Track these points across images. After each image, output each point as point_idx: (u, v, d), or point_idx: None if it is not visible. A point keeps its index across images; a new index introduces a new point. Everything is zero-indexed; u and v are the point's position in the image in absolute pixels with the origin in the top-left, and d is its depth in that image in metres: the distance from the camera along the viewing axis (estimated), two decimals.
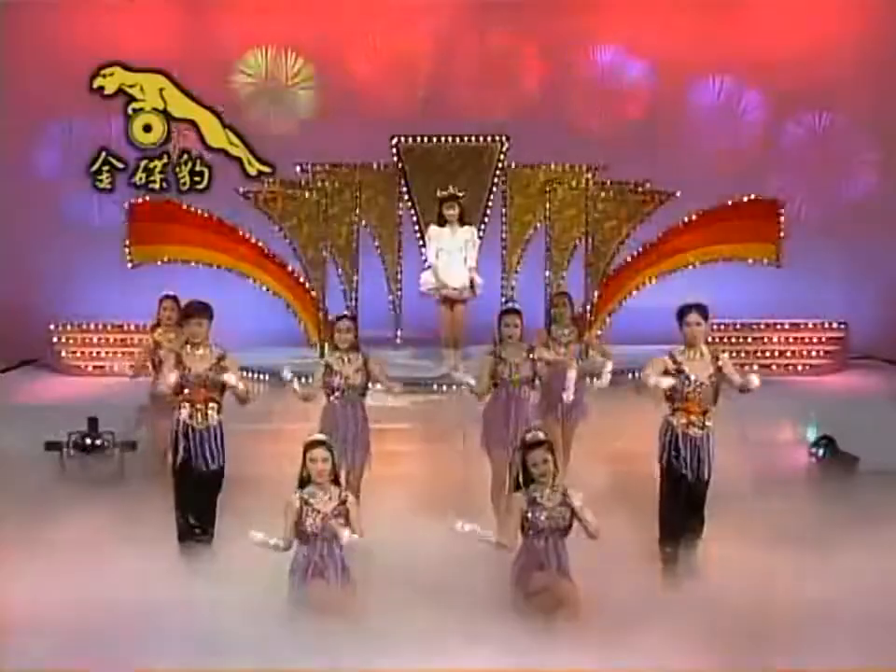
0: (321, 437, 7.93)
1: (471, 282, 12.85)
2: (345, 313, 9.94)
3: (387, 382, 9.70)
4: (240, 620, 7.42)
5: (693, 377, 8.54)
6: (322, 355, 9.57)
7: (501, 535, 7.75)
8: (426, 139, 14.49)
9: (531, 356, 9.65)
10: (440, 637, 7.22)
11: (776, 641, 7.32)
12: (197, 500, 8.73)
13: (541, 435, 7.95)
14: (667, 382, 8.46)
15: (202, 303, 8.95)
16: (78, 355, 14.74)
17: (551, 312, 10.79)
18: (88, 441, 11.07)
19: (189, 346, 8.88)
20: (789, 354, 14.59)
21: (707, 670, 7.18)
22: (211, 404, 8.80)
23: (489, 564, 8.15)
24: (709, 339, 8.81)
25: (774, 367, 14.48)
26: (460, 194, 13.04)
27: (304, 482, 7.74)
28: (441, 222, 12.88)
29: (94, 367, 14.64)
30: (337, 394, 9.48)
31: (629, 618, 7.50)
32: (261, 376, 13.15)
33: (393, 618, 7.39)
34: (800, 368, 14.49)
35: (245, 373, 12.66)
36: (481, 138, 14.51)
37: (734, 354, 14.28)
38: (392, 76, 15.60)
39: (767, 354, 14.57)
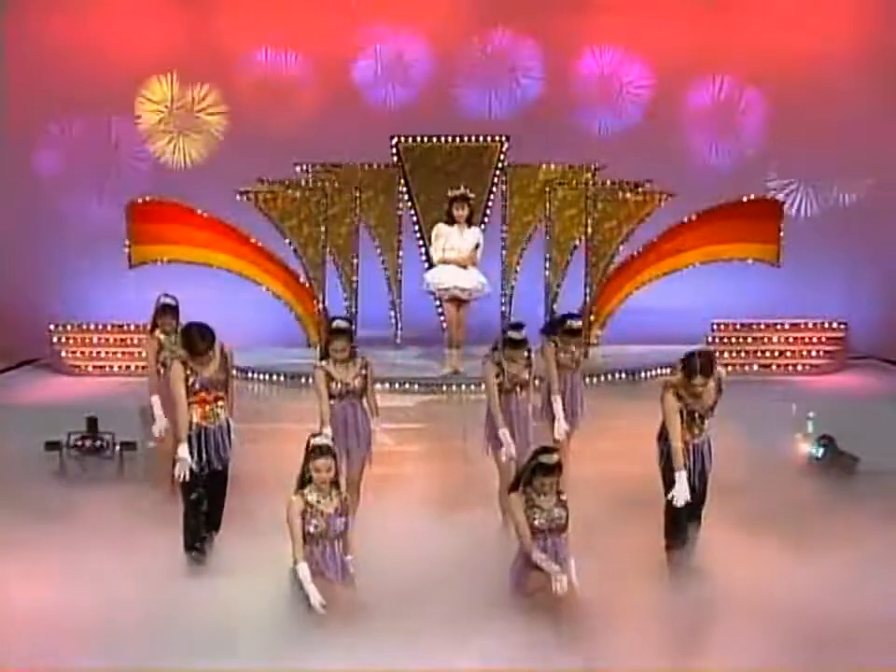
0: (325, 442, 7.85)
1: (481, 282, 12.84)
2: (340, 325, 9.35)
3: (373, 397, 9.56)
4: (240, 619, 7.42)
5: (697, 409, 8.48)
6: (322, 356, 9.47)
7: (523, 544, 7.76)
8: (426, 139, 14.50)
9: (529, 360, 9.64)
10: (440, 636, 7.23)
11: (774, 639, 7.33)
12: (209, 499, 8.69)
13: (556, 457, 7.87)
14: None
15: (203, 334, 8.56)
16: (78, 355, 14.74)
17: (553, 316, 10.51)
18: (88, 441, 11.06)
19: None
20: (789, 354, 14.59)
21: (706, 669, 7.19)
22: (220, 403, 8.76)
23: (489, 563, 8.17)
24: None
25: (774, 367, 14.49)
26: (471, 195, 13.01)
27: (304, 484, 7.73)
28: (450, 221, 12.85)
29: (94, 367, 14.64)
30: (337, 398, 9.39)
31: (628, 617, 7.51)
32: (261, 376, 13.18)
33: (393, 617, 7.40)
34: (800, 368, 14.50)
35: (246, 373, 12.83)
36: (481, 138, 14.52)
37: (734, 354, 14.35)
38: (392, 75, 15.60)
39: (767, 354, 14.58)
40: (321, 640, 7.21)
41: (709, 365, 8.37)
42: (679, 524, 8.52)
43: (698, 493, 8.60)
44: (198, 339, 8.59)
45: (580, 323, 10.27)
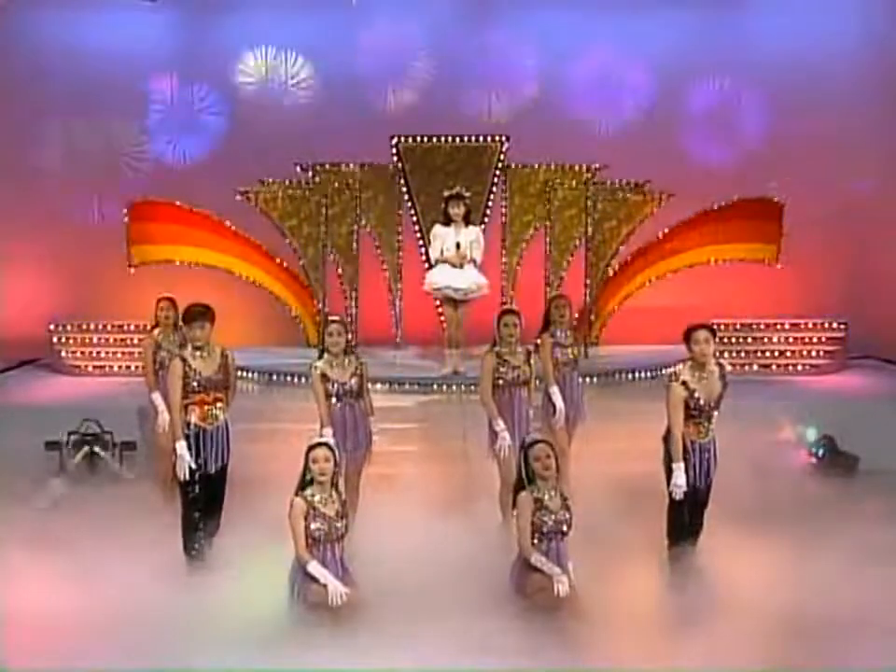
0: (324, 440, 7.96)
1: (477, 283, 12.81)
2: (335, 317, 9.53)
3: (368, 398, 9.55)
4: (240, 619, 7.43)
5: (703, 400, 8.45)
6: (319, 356, 9.45)
7: (522, 547, 7.78)
8: (426, 139, 14.49)
9: (530, 358, 9.64)
10: (439, 636, 7.23)
11: (774, 639, 7.34)
12: (208, 500, 8.68)
13: (541, 434, 8.03)
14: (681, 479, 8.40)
15: (202, 306, 8.71)
16: (78, 355, 14.73)
17: (549, 314, 10.45)
18: (88, 441, 11.06)
19: (192, 350, 8.71)
20: (789, 354, 14.59)
21: (706, 668, 7.19)
22: (219, 403, 8.75)
23: (490, 563, 8.17)
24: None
25: (774, 367, 14.49)
26: (467, 193, 12.99)
27: (305, 485, 7.74)
28: (446, 221, 12.82)
29: (94, 367, 14.63)
30: (334, 399, 9.38)
31: (628, 617, 7.52)
32: (261, 376, 13.17)
33: (393, 617, 7.40)
34: (800, 368, 14.50)
35: (245, 373, 12.82)
36: (481, 138, 14.52)
37: (734, 354, 14.34)
38: (392, 75, 15.60)
39: (767, 354, 14.58)
40: (321, 640, 7.21)
41: (711, 326, 8.48)
42: (681, 524, 8.52)
43: (702, 494, 8.59)
44: (195, 308, 8.70)
45: (565, 300, 10.32)
